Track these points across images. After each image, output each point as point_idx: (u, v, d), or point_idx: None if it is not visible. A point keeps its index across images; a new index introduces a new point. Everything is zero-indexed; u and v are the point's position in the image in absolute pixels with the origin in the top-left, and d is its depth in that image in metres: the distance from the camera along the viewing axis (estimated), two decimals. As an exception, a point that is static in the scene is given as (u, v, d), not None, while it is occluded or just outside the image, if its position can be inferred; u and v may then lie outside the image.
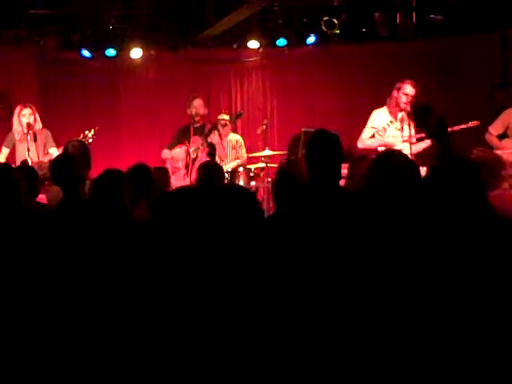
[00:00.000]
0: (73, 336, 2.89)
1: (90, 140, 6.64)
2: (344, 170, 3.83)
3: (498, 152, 4.85)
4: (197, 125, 7.09)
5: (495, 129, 6.76)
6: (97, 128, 6.79)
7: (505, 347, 2.44)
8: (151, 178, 4.67)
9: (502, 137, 6.76)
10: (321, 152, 3.56)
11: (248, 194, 2.94)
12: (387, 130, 6.68)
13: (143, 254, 3.10)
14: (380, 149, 6.61)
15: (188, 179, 6.80)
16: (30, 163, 6.28)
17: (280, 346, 2.51)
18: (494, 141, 6.69)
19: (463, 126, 6.65)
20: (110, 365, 2.60)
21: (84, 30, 7.84)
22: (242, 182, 6.75)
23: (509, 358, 2.42)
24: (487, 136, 6.73)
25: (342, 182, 4.04)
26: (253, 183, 6.91)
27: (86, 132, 6.74)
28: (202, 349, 2.48)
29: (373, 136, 6.76)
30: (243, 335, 2.50)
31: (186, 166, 6.92)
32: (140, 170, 4.64)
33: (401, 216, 3.00)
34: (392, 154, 3.55)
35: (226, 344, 2.48)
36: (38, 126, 6.82)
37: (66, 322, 2.93)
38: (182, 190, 3.00)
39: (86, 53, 7.96)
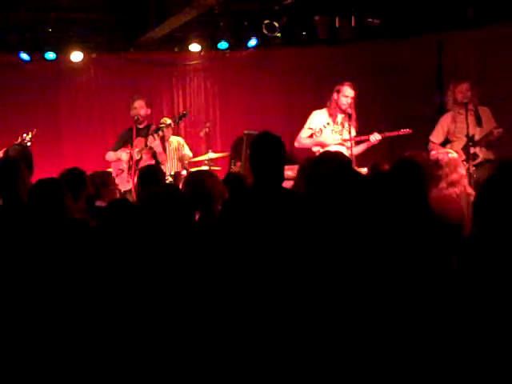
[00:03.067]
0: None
1: (28, 143, 6.54)
2: (288, 172, 3.88)
3: (433, 152, 4.95)
4: (141, 126, 7.04)
5: (436, 137, 6.83)
6: (34, 131, 6.68)
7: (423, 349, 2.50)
8: (84, 179, 4.63)
9: (445, 143, 6.84)
10: (264, 154, 3.60)
11: (179, 197, 2.94)
12: (323, 131, 6.78)
13: (87, 259, 3.09)
14: (314, 148, 6.73)
15: (131, 182, 6.74)
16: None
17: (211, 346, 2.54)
18: (438, 149, 6.70)
19: (395, 134, 6.69)
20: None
21: (22, 33, 7.70)
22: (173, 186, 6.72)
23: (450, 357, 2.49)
24: (430, 145, 6.75)
25: (289, 184, 4.09)
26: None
27: (24, 135, 6.64)
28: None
29: (311, 136, 6.83)
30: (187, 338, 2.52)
31: (130, 168, 6.86)
32: (72, 174, 4.61)
33: (339, 216, 3.06)
34: (327, 156, 3.64)
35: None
36: (-25, 129, 6.68)
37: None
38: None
39: (24, 56, 7.81)
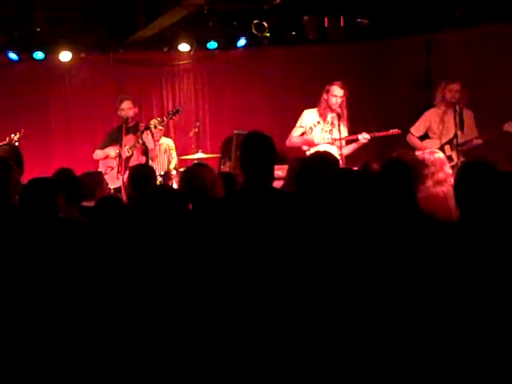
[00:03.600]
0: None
1: (16, 143, 6.53)
2: (278, 172, 3.89)
3: (418, 152, 4.98)
4: (130, 124, 7.04)
5: (417, 130, 6.89)
6: (22, 131, 6.68)
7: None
8: (77, 180, 4.63)
9: (423, 138, 6.92)
10: (254, 153, 3.61)
11: (177, 196, 2.95)
12: (314, 130, 6.83)
13: (79, 256, 3.09)
14: (304, 147, 6.77)
15: (121, 178, 6.74)
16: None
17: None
18: (416, 141, 6.82)
19: (384, 134, 6.74)
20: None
21: (10, 32, 7.66)
22: (175, 185, 6.73)
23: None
24: (409, 137, 6.86)
25: (279, 184, 4.10)
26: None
27: (12, 135, 6.63)
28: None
29: (302, 135, 6.89)
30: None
31: (118, 166, 6.84)
32: (65, 174, 4.60)
33: (329, 215, 3.07)
34: (317, 156, 3.66)
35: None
36: (-37, 130, 6.65)
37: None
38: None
39: (12, 55, 7.78)
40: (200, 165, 4.98)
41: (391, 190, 3.07)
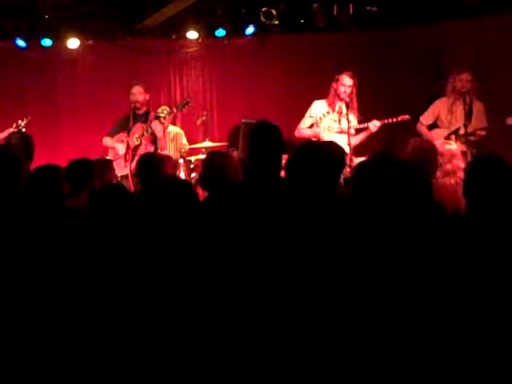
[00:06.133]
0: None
1: (23, 130, 6.56)
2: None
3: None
4: (139, 112, 7.04)
5: (426, 118, 6.89)
6: (29, 117, 6.73)
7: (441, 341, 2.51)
8: (91, 172, 4.63)
9: (432, 127, 6.90)
10: (262, 143, 3.60)
11: (185, 186, 2.95)
12: (323, 120, 6.82)
13: (82, 247, 3.09)
14: (314, 139, 6.75)
15: (129, 167, 6.74)
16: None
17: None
18: (424, 130, 6.81)
19: (393, 120, 6.72)
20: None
21: (18, 19, 7.65)
22: (182, 174, 6.73)
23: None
24: (418, 126, 6.85)
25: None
26: (193, 175, 6.90)
27: (19, 121, 6.67)
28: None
29: (312, 126, 6.88)
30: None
31: (126, 154, 6.84)
32: (79, 164, 4.60)
33: (335, 206, 3.06)
34: (310, 146, 3.66)
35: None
36: (-29, 117, 6.67)
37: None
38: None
39: (20, 42, 7.77)
40: (219, 153, 4.98)
41: (412, 179, 3.04)
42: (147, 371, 2.48)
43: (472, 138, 6.48)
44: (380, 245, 2.65)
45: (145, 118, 7.00)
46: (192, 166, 7.02)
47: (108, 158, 6.83)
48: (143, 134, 6.88)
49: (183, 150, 7.14)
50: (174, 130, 7.34)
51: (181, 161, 6.90)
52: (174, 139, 7.29)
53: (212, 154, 4.71)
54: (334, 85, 6.73)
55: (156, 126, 6.79)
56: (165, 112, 6.83)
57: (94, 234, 3.04)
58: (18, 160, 4.08)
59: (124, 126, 7.04)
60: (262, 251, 3.04)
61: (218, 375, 2.47)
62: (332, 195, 3.44)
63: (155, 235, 2.74)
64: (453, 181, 4.43)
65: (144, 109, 7.08)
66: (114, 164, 6.57)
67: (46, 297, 2.92)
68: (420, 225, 2.75)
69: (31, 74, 8.08)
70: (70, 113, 8.29)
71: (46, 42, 7.79)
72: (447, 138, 6.41)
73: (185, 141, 7.34)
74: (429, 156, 4.39)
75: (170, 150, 7.19)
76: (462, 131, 6.43)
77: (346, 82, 6.66)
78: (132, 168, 6.57)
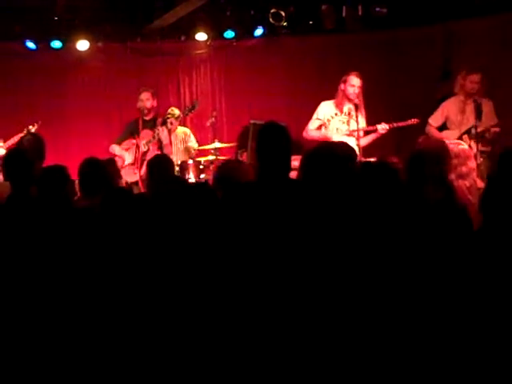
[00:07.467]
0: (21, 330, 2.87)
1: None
2: (295, 163, 3.88)
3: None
4: (147, 118, 7.07)
5: (435, 120, 6.85)
6: (39, 122, 6.76)
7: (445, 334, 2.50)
8: (105, 171, 4.64)
9: (441, 128, 6.87)
10: (270, 144, 3.60)
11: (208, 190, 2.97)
12: (331, 121, 6.80)
13: (89, 247, 3.10)
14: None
15: (138, 173, 6.76)
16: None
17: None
18: (434, 132, 6.77)
19: (402, 124, 6.68)
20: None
21: (28, 21, 7.68)
22: (191, 175, 6.74)
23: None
24: (427, 128, 6.81)
25: (294, 174, 4.10)
26: (202, 176, 6.91)
27: (30, 127, 6.71)
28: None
29: (320, 127, 6.87)
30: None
31: (135, 160, 6.87)
32: (93, 164, 4.61)
33: (344, 207, 3.06)
34: (323, 148, 3.66)
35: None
36: (-18, 120, 6.71)
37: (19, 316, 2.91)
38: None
39: (30, 44, 7.81)
40: (232, 161, 5.03)
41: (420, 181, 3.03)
42: (156, 368, 2.49)
43: (486, 135, 6.46)
44: (393, 244, 2.65)
45: (152, 124, 7.02)
46: (201, 167, 7.02)
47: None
48: (150, 141, 6.91)
49: (193, 151, 7.15)
50: (181, 130, 7.34)
51: (190, 162, 6.91)
52: (182, 141, 7.30)
53: (223, 164, 4.75)
54: (342, 86, 6.71)
55: (162, 133, 6.81)
56: (173, 115, 6.84)
57: (106, 234, 3.04)
58: (31, 162, 4.12)
59: (131, 133, 7.08)
60: (273, 251, 3.04)
61: (224, 373, 2.48)
62: (343, 196, 3.43)
63: (170, 235, 2.75)
64: (467, 183, 4.36)
65: (151, 114, 7.11)
66: (123, 171, 6.61)
67: (56, 296, 2.93)
68: (438, 225, 2.74)
69: (41, 76, 8.11)
70: (78, 114, 8.30)
71: (56, 44, 7.83)
72: (459, 138, 6.39)
73: (194, 141, 7.35)
74: (440, 155, 4.33)
75: (178, 152, 7.20)
76: (474, 131, 6.41)
77: (355, 83, 6.64)
78: (142, 173, 6.60)
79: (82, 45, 7.87)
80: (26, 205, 3.84)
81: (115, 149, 7.17)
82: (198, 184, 3.09)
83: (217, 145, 7.17)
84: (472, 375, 2.43)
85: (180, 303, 2.58)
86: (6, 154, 4.71)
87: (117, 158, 7.10)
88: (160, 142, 6.87)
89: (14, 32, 7.71)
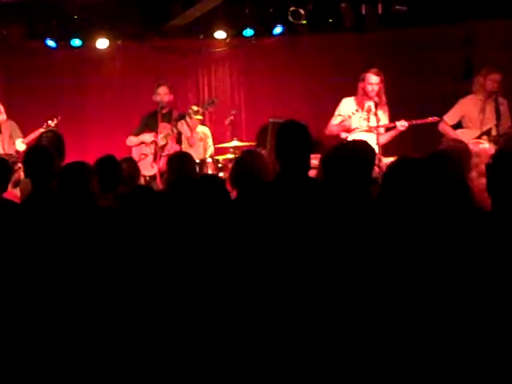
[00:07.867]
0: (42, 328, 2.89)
1: (54, 129, 6.64)
2: (314, 161, 3.87)
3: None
4: (164, 111, 7.09)
5: (450, 118, 6.73)
6: (59, 117, 6.81)
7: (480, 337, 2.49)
8: (120, 169, 4.66)
9: (456, 127, 6.79)
10: (290, 143, 3.60)
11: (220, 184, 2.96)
12: (352, 118, 6.78)
13: (111, 245, 3.11)
14: (343, 135, 6.72)
15: (156, 167, 6.79)
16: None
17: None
18: (449, 130, 6.65)
19: (422, 122, 6.62)
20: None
21: (49, 20, 7.74)
22: (210, 173, 6.74)
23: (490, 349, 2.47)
24: (441, 125, 6.69)
25: (313, 173, 4.10)
26: (221, 174, 6.91)
27: (49, 122, 6.75)
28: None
29: (341, 123, 6.85)
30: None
31: (155, 154, 6.90)
32: (108, 162, 4.62)
33: (364, 206, 3.04)
34: (341, 147, 3.64)
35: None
36: (2, 117, 6.74)
37: (39, 314, 2.92)
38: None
39: (50, 43, 7.87)
40: (250, 152, 5.00)
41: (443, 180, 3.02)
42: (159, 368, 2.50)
43: (505, 137, 6.40)
44: (412, 246, 2.63)
45: (168, 118, 7.05)
46: (220, 165, 7.03)
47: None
48: (169, 134, 6.93)
49: (209, 154, 7.19)
50: (201, 130, 7.37)
51: (209, 160, 6.93)
52: (202, 139, 7.33)
53: (244, 152, 4.73)
54: (361, 84, 6.70)
55: (182, 127, 6.85)
56: (190, 112, 6.87)
57: (125, 231, 3.05)
58: (51, 158, 4.14)
59: (148, 125, 7.10)
60: (292, 250, 3.04)
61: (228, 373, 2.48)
62: (364, 195, 3.42)
63: (186, 231, 2.75)
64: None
65: (168, 108, 7.14)
66: (140, 164, 6.63)
67: (78, 292, 2.95)
68: (456, 227, 2.72)
69: (61, 74, 8.17)
70: (98, 112, 8.35)
71: (76, 43, 7.88)
72: (479, 138, 6.33)
73: (210, 142, 7.37)
74: (463, 157, 4.33)
75: (198, 150, 7.22)
76: (493, 132, 6.36)
77: (373, 81, 6.63)
78: (160, 167, 6.63)
79: (102, 43, 7.92)
80: (48, 202, 3.86)
81: (132, 140, 7.20)
82: (209, 178, 3.07)
83: (235, 143, 7.17)
84: (477, 373, 2.43)
85: (191, 302, 2.58)
86: (27, 151, 4.72)
87: (134, 150, 7.14)
88: (179, 135, 6.91)
89: (34, 30, 7.77)
